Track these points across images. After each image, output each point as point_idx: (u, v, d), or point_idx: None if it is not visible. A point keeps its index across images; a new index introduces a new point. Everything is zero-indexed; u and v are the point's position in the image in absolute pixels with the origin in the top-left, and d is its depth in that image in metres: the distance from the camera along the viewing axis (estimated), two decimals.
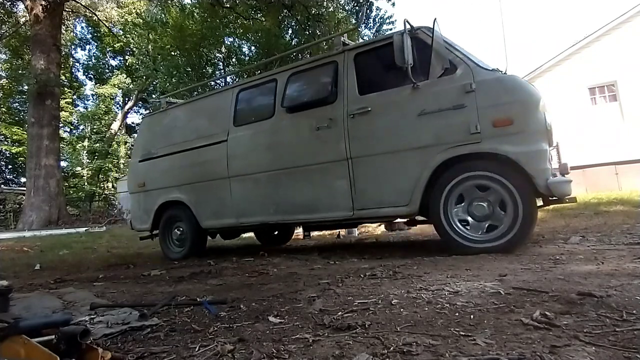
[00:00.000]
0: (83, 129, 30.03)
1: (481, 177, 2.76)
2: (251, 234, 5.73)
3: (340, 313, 1.50)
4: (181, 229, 4.41)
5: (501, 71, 2.85)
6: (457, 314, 1.36)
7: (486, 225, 2.78)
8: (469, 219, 2.82)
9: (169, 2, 18.76)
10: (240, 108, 4.02)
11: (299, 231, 6.12)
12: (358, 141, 3.18)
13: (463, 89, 2.79)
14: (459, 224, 2.83)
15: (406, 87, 3.02)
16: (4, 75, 23.41)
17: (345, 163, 3.23)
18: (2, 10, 17.03)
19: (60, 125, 17.22)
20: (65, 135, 27.43)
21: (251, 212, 3.82)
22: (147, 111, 32.56)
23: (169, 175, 4.39)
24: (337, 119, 3.27)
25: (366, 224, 6.80)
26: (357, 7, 17.49)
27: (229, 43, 22.72)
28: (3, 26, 18.56)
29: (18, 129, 24.29)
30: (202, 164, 4.12)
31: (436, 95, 2.90)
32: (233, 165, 3.88)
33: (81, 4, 18.24)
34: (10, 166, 29.53)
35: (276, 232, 5.24)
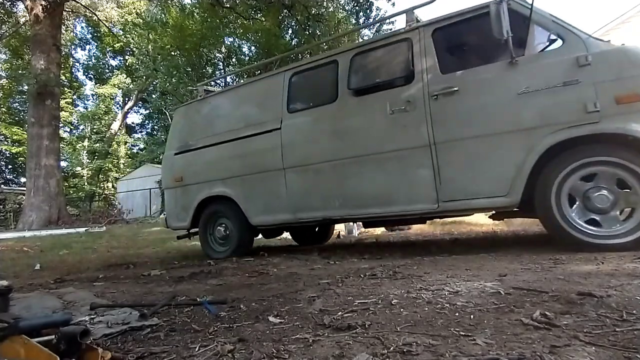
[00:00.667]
0: (83, 129, 30.06)
1: (601, 163, 2.42)
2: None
3: (340, 313, 1.50)
4: (226, 226, 4.09)
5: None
6: (457, 314, 1.36)
7: (615, 218, 2.43)
8: (592, 211, 2.47)
9: (169, 2, 18.76)
10: (294, 93, 3.70)
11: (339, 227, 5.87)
12: (443, 124, 2.86)
13: (575, 63, 2.47)
14: (575, 218, 2.50)
15: (501, 62, 2.76)
16: (4, 75, 23.43)
17: (427, 149, 2.91)
18: (2, 10, 17.03)
19: (60, 125, 17.21)
20: (65, 135, 27.44)
21: (311, 206, 3.48)
22: (147, 111, 32.63)
23: (212, 168, 4.07)
24: (416, 100, 2.96)
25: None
26: (357, 7, 17.49)
27: (229, 43, 22.73)
28: (3, 26, 18.57)
29: (18, 129, 24.32)
30: (251, 154, 3.80)
31: (540, 70, 2.59)
32: (289, 155, 3.55)
33: (81, 4, 18.24)
34: (10, 166, 29.55)
35: (316, 229, 4.95)
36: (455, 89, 2.84)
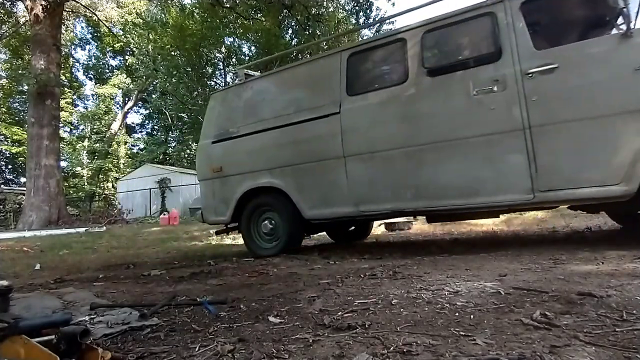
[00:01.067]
0: (83, 129, 30.10)
1: None
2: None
3: (340, 313, 1.50)
4: (273, 221, 3.77)
5: None
6: (457, 314, 1.36)
7: None
8: None
9: (169, 2, 18.76)
10: (355, 74, 3.40)
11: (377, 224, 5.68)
12: (541, 106, 2.59)
13: None
14: None
15: (612, 36, 2.55)
16: (4, 75, 23.45)
17: (520, 134, 2.64)
18: (2, 10, 17.04)
19: (60, 125, 17.23)
20: (65, 135, 27.47)
21: (377, 198, 3.18)
22: (147, 111, 32.65)
23: (257, 157, 3.75)
24: (506, 79, 2.70)
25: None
26: (357, 7, 17.51)
27: (229, 43, 22.75)
28: (3, 26, 18.57)
29: (18, 129, 24.35)
30: (303, 142, 3.51)
31: None
32: (350, 142, 3.27)
33: (81, 4, 18.25)
34: (10, 166, 29.58)
35: (353, 227, 4.69)
36: (555, 66, 2.56)
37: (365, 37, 18.69)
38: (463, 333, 1.17)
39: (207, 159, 4.13)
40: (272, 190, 3.68)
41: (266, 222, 3.81)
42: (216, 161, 4.02)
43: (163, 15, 19.76)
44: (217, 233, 4.53)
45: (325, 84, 3.52)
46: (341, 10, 19.17)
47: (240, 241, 6.08)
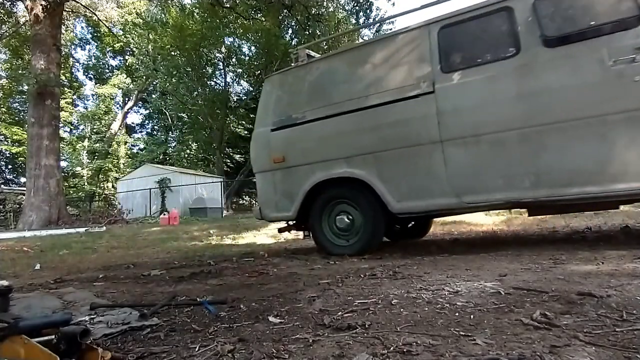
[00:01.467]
0: (83, 129, 30.13)
1: None
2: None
3: (340, 313, 1.50)
4: (350, 215, 3.41)
5: None
6: (457, 314, 1.36)
7: None
8: None
9: (169, 2, 18.77)
10: (449, 49, 3.06)
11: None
12: None
13: None
14: None
15: None
16: (4, 75, 23.46)
17: None
18: (2, 10, 17.03)
19: (60, 125, 17.22)
20: (65, 135, 27.50)
21: (486, 187, 2.83)
22: (147, 111, 32.68)
23: (330, 145, 3.40)
24: None
25: None
26: (357, 7, 17.52)
27: (229, 43, 22.78)
28: (3, 26, 18.57)
29: (18, 129, 24.36)
30: (389, 126, 3.14)
31: None
32: (450, 124, 2.91)
33: (81, 4, 18.24)
34: (10, 166, 29.60)
35: (412, 223, 4.40)
36: None
37: (365, 38, 18.70)
38: (463, 333, 1.17)
39: (266, 149, 3.73)
40: (349, 181, 3.33)
41: (342, 216, 3.42)
42: (278, 151, 3.64)
43: (163, 15, 19.79)
44: (280, 231, 4.12)
45: (411, 61, 3.18)
46: (341, 10, 19.18)
47: (241, 241, 6.09)
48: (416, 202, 3.07)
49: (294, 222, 3.76)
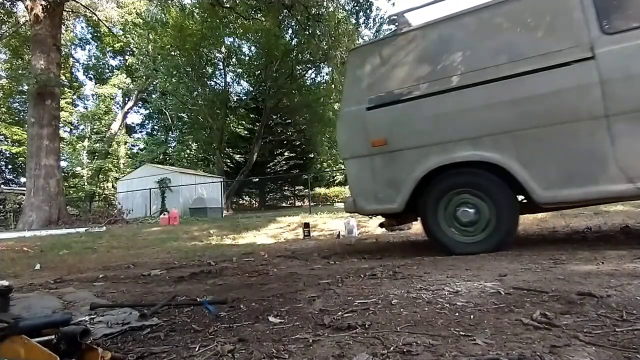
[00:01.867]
0: (83, 129, 30.14)
1: None
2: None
3: (340, 313, 1.50)
4: (475, 207, 2.90)
5: None
6: (457, 314, 1.36)
7: None
8: None
9: (169, 2, 18.76)
10: (610, 6, 2.60)
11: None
12: None
13: None
14: None
15: None
16: (4, 75, 23.45)
17: None
18: (2, 10, 17.03)
19: (60, 125, 17.22)
20: (65, 135, 27.50)
21: None
22: (147, 111, 32.69)
23: (449, 124, 2.94)
24: None
25: (365, 224, 6.81)
26: (357, 7, 17.51)
27: (229, 43, 22.79)
28: (3, 26, 18.57)
29: (18, 129, 24.37)
30: (531, 100, 2.68)
31: None
32: (620, 96, 2.44)
33: (81, 4, 18.24)
34: (10, 166, 29.58)
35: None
36: None
37: (365, 38, 18.70)
38: (463, 333, 1.17)
39: (361, 131, 3.26)
40: (474, 165, 2.88)
41: (465, 209, 2.91)
42: (377, 132, 3.18)
43: (163, 15, 19.77)
44: (382, 226, 3.65)
45: (557, 22, 2.72)
46: (341, 10, 19.15)
47: (241, 241, 6.09)
48: (571, 190, 2.60)
49: (400, 215, 3.27)
